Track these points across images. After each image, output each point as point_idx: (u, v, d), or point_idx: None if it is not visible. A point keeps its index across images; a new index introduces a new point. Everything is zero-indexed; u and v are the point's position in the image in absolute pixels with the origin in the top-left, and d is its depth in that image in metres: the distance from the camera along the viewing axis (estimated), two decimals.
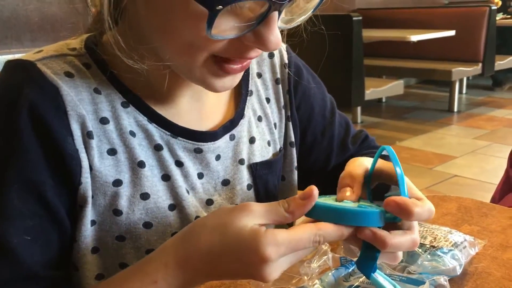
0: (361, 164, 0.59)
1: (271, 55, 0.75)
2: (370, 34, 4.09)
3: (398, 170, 0.51)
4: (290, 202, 0.48)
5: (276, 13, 0.49)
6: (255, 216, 0.47)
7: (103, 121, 0.58)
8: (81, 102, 0.56)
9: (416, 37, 3.84)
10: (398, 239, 0.48)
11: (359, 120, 4.22)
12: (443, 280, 0.56)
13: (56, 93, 0.54)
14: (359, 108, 4.16)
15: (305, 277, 0.58)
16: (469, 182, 2.99)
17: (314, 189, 0.47)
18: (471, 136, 3.90)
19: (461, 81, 5.08)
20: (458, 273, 0.60)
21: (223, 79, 0.55)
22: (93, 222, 0.59)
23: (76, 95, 0.56)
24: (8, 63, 0.56)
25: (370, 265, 0.49)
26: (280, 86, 0.75)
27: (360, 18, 3.52)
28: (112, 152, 0.58)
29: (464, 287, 0.60)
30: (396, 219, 0.49)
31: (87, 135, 0.56)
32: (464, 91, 5.40)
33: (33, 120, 0.53)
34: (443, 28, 4.25)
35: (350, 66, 3.54)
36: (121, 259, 0.60)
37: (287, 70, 0.75)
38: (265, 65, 0.74)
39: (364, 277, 0.56)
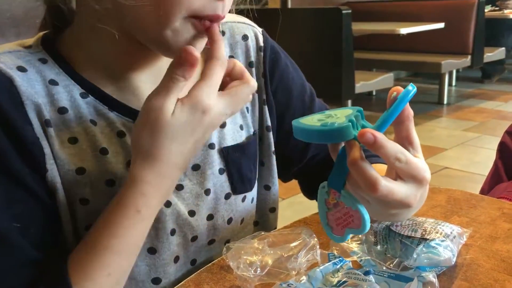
0: None
1: (245, 37, 0.73)
2: (360, 27, 4.09)
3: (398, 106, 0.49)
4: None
5: None
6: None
7: (61, 110, 0.58)
8: (36, 93, 0.57)
9: (405, 30, 3.84)
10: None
11: None
12: (431, 276, 0.55)
13: (10, 84, 0.55)
14: (349, 102, 4.15)
15: (293, 272, 0.57)
16: (459, 174, 3.01)
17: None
18: (460, 128, 3.92)
19: (450, 73, 5.10)
20: (453, 263, 0.59)
21: (200, 40, 0.57)
22: (67, 211, 0.59)
23: (31, 87, 0.57)
24: None
25: (341, 179, 0.51)
26: (253, 69, 0.74)
27: (350, 11, 3.51)
28: (73, 140, 0.59)
29: (454, 279, 0.59)
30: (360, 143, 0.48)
31: (45, 123, 0.57)
32: (453, 83, 5.42)
33: None
34: (432, 20, 4.26)
35: (340, 59, 3.54)
36: None
37: (262, 53, 0.74)
38: (238, 47, 0.73)
39: (351, 273, 0.55)
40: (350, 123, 0.48)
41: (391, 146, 0.48)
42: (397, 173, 0.50)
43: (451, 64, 4.47)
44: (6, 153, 0.54)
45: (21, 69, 0.57)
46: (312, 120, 0.52)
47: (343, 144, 0.51)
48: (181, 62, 0.52)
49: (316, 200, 0.81)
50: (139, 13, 0.53)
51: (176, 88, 0.52)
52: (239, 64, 0.57)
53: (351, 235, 0.54)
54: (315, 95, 0.81)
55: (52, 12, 0.63)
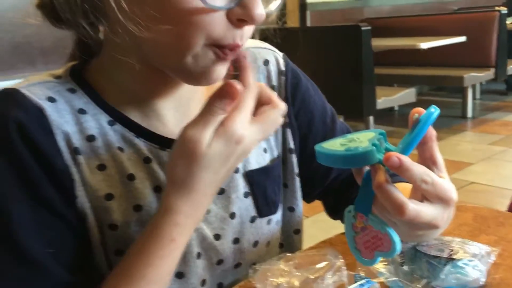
0: None
1: (266, 62, 0.75)
2: (380, 43, 4.09)
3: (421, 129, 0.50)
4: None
5: None
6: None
7: (90, 138, 0.60)
8: (65, 122, 0.59)
9: (426, 44, 3.82)
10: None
11: None
12: None
13: (40, 114, 0.58)
14: (371, 118, 4.13)
15: None
16: (486, 188, 2.95)
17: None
18: (486, 142, 3.86)
19: (474, 86, 5.03)
20: (482, 283, 0.59)
21: (219, 67, 0.57)
22: (97, 236, 0.61)
23: (60, 117, 0.59)
24: None
25: (368, 203, 0.51)
26: (275, 94, 0.74)
27: (369, 28, 3.51)
28: (101, 167, 0.60)
29: None
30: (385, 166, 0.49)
31: (75, 151, 0.59)
32: (477, 96, 5.34)
33: (24, 141, 0.56)
34: (453, 34, 4.23)
35: (360, 76, 3.53)
36: None
37: (283, 77, 0.75)
38: (260, 72, 0.74)
39: None
40: (374, 147, 0.49)
41: (417, 168, 0.48)
42: (424, 194, 0.50)
43: (474, 78, 4.42)
44: (38, 180, 0.56)
45: (51, 99, 0.59)
46: (334, 145, 0.52)
47: (367, 168, 0.52)
48: (222, 95, 0.53)
49: (341, 221, 0.81)
50: (158, 43, 0.55)
51: (214, 120, 0.53)
52: (267, 88, 0.58)
53: (380, 258, 0.54)
54: (336, 116, 0.82)
55: (80, 44, 0.65)
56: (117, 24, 0.54)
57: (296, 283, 0.58)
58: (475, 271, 0.59)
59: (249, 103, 0.54)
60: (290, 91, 0.75)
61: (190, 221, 0.55)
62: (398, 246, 0.50)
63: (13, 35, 1.88)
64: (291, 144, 0.76)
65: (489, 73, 4.48)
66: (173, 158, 0.54)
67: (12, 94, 0.58)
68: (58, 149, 0.58)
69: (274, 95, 0.57)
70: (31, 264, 0.55)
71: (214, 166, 0.53)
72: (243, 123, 0.53)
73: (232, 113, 0.53)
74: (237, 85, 0.53)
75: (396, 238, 0.50)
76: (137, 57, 0.58)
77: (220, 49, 0.55)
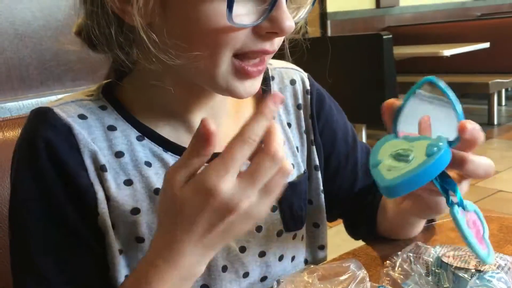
0: None
1: (292, 82, 0.77)
2: (402, 51, 4.06)
3: (451, 94, 0.49)
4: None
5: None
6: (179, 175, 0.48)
7: (118, 154, 0.62)
8: (93, 140, 0.61)
9: (449, 51, 3.78)
10: (474, 157, 0.51)
11: None
12: None
13: (69, 132, 0.59)
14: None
15: None
16: None
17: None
18: None
19: (499, 93, 4.95)
20: None
21: (244, 83, 0.58)
22: (120, 251, 0.62)
23: (89, 134, 0.60)
24: (32, 111, 0.62)
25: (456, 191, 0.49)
26: (301, 111, 0.77)
27: (390, 36, 3.50)
28: (128, 182, 0.62)
29: None
30: (452, 144, 0.49)
31: (101, 169, 0.60)
32: (503, 102, 5.25)
33: (51, 158, 0.58)
34: (477, 40, 4.17)
35: (382, 84, 3.51)
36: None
37: (309, 96, 0.77)
38: (287, 91, 0.77)
39: None
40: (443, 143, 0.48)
41: None
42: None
43: (499, 84, 4.34)
44: (60, 199, 0.58)
45: (82, 117, 0.61)
46: (396, 168, 0.48)
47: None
48: (197, 136, 0.47)
49: (363, 240, 0.81)
50: (190, 66, 0.56)
51: (188, 162, 0.48)
52: (273, 126, 0.49)
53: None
54: (356, 135, 0.84)
55: (114, 65, 0.66)
56: (149, 53, 0.56)
57: None
58: (501, 283, 0.58)
59: (235, 154, 0.46)
60: (315, 109, 0.78)
61: (170, 269, 0.50)
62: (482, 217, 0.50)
63: (42, 53, 1.94)
64: (317, 161, 0.77)
65: None
66: (160, 194, 0.51)
67: (44, 112, 0.60)
68: (84, 167, 0.59)
69: (274, 140, 0.48)
70: (44, 283, 0.56)
71: (187, 212, 0.48)
72: (219, 175, 0.46)
73: (212, 161, 0.47)
74: (211, 125, 0.46)
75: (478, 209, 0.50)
76: (170, 80, 0.61)
77: (247, 62, 0.56)
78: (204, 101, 0.66)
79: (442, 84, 0.50)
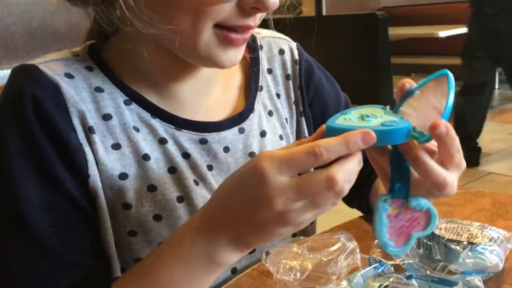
0: None
1: (281, 52, 0.76)
2: (397, 32, 4.03)
3: (452, 96, 0.47)
4: (303, 141, 0.47)
5: None
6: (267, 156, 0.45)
7: (106, 117, 0.60)
8: (81, 100, 0.59)
9: (444, 33, 3.76)
10: (429, 160, 0.46)
11: None
12: (477, 280, 0.53)
13: (56, 91, 0.57)
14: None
15: (333, 277, 0.56)
16: (505, 179, 2.90)
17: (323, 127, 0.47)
18: (505, 132, 3.79)
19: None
20: (500, 269, 0.57)
21: (227, 52, 0.57)
22: (109, 217, 0.60)
23: (77, 94, 0.59)
24: (14, 69, 0.59)
25: (406, 185, 0.48)
26: (290, 82, 0.76)
27: (386, 16, 3.46)
28: (116, 146, 0.60)
29: (501, 284, 0.57)
30: (419, 140, 0.46)
31: (89, 130, 0.58)
32: (496, 86, 5.25)
33: (39, 117, 0.56)
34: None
35: (377, 65, 3.49)
36: (135, 254, 0.61)
37: (297, 66, 0.76)
38: (276, 61, 0.76)
39: (394, 277, 0.54)
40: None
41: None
42: (448, 163, 0.48)
43: None
44: (49, 158, 0.56)
45: (69, 75, 0.59)
46: (350, 121, 0.49)
47: (389, 147, 0.49)
48: (310, 150, 0.43)
49: (359, 209, 0.80)
50: (169, 39, 0.55)
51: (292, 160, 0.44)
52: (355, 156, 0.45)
53: (415, 240, 0.50)
54: (350, 104, 0.82)
55: (97, 23, 0.64)
56: (125, 16, 0.55)
57: (309, 265, 0.58)
58: (494, 256, 0.58)
59: (300, 159, 0.44)
60: (304, 80, 0.76)
61: (203, 234, 0.49)
62: (437, 218, 0.48)
63: (28, 21, 1.89)
64: (306, 133, 0.76)
65: None
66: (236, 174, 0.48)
67: (29, 69, 0.58)
68: (72, 127, 0.57)
69: (344, 167, 0.44)
70: (35, 242, 0.54)
71: (232, 191, 0.47)
72: (277, 168, 0.44)
73: (275, 152, 0.45)
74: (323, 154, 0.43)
75: (435, 211, 0.48)
76: (152, 48, 0.59)
77: (230, 32, 0.55)
78: (189, 71, 0.64)
79: (452, 83, 0.49)
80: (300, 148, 0.43)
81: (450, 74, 0.49)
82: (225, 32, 0.55)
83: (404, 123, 0.46)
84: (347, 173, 0.43)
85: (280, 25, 0.75)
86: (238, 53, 0.58)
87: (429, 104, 0.51)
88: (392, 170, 0.49)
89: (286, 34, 0.79)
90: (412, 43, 4.55)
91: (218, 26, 0.55)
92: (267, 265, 0.58)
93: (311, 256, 0.58)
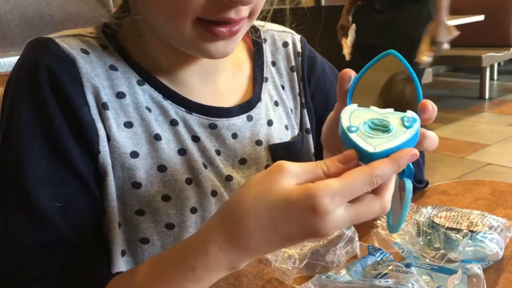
0: None
1: (285, 44, 0.77)
2: None
3: (412, 70, 0.48)
4: (330, 165, 0.44)
5: None
6: (293, 176, 0.43)
7: (120, 95, 0.60)
8: (96, 76, 0.59)
9: None
10: (430, 133, 0.48)
11: None
12: (476, 269, 0.53)
13: (72, 64, 0.57)
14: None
15: (332, 265, 0.56)
16: (504, 170, 2.91)
17: (354, 152, 0.44)
18: (504, 123, 3.79)
19: (492, 67, 4.93)
20: (500, 257, 0.57)
21: (215, 44, 0.57)
22: (116, 196, 0.60)
23: (92, 69, 0.59)
24: (29, 42, 0.59)
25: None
26: (295, 73, 0.76)
27: None
28: (128, 124, 0.60)
29: (501, 271, 0.57)
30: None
31: (102, 106, 0.58)
32: (495, 77, 5.24)
33: (53, 89, 0.56)
34: (471, 13, 4.13)
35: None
36: (141, 234, 0.61)
37: (300, 59, 0.77)
38: (280, 53, 0.76)
39: (393, 265, 0.54)
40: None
41: None
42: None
43: (492, 58, 4.33)
44: (60, 132, 0.55)
45: (84, 51, 0.59)
46: (376, 136, 0.45)
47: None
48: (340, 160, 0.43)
49: None
50: (158, 22, 0.56)
51: (312, 169, 0.43)
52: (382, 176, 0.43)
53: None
54: None
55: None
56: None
57: (308, 254, 0.58)
58: (494, 244, 0.57)
59: (358, 186, 0.42)
60: (306, 72, 0.77)
61: (221, 257, 0.45)
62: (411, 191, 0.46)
63: (24, 9, 1.88)
64: (308, 124, 0.77)
65: (508, 53, 4.38)
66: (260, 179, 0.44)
67: (46, 42, 0.58)
68: (86, 101, 0.57)
69: (387, 187, 0.44)
70: (36, 214, 0.54)
71: (271, 220, 0.43)
72: (333, 200, 0.41)
73: (331, 183, 0.42)
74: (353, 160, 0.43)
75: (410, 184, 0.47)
76: (153, 31, 0.60)
77: (213, 25, 0.55)
78: (192, 58, 0.64)
79: (403, 59, 0.49)
80: (357, 177, 0.42)
81: (396, 51, 0.49)
82: (208, 26, 0.55)
83: (412, 114, 0.46)
84: (391, 195, 0.44)
85: (278, 16, 0.74)
86: (228, 45, 0.58)
87: (382, 84, 0.51)
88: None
89: (284, 25, 0.79)
90: None
91: (200, 19, 0.55)
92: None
93: (309, 244, 0.58)
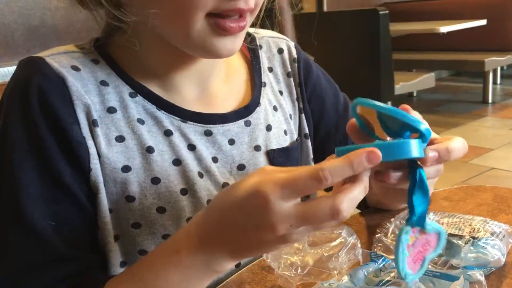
0: None
1: (280, 51, 0.77)
2: (398, 27, 4.02)
3: (390, 108, 0.46)
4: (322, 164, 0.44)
5: None
6: (268, 172, 0.45)
7: (110, 110, 0.60)
8: (87, 93, 0.59)
9: (445, 28, 3.74)
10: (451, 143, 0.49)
11: None
12: (479, 275, 0.53)
13: (62, 83, 0.58)
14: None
15: (334, 272, 0.56)
16: (507, 174, 2.90)
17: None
18: (507, 127, 3.78)
19: (495, 71, 4.93)
20: (502, 264, 0.57)
21: (223, 40, 0.57)
22: (110, 210, 0.60)
23: (82, 86, 0.59)
24: (21, 60, 0.60)
25: (424, 212, 0.46)
26: (291, 79, 0.77)
27: (387, 12, 3.45)
28: (120, 139, 0.60)
29: (503, 278, 0.57)
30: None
31: (93, 123, 0.59)
32: (498, 81, 5.24)
33: (43, 109, 0.56)
34: (474, 17, 4.13)
35: (378, 61, 3.48)
36: (139, 246, 0.62)
37: (296, 64, 0.77)
38: (276, 60, 0.77)
39: (395, 272, 0.54)
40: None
41: None
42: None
43: (495, 62, 4.32)
44: (51, 151, 0.56)
45: (75, 68, 0.60)
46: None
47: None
48: (314, 174, 0.42)
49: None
50: (162, 22, 0.56)
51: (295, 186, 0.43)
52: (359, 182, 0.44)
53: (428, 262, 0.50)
54: (349, 104, 0.83)
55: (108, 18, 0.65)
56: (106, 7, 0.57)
57: (310, 261, 0.58)
58: (496, 250, 0.57)
59: (303, 181, 0.42)
60: (303, 77, 0.77)
61: (201, 249, 0.48)
62: (445, 237, 0.48)
63: (28, 19, 1.90)
64: (306, 129, 0.77)
65: (511, 57, 4.37)
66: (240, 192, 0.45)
67: (36, 61, 0.59)
68: (76, 120, 0.58)
69: (347, 196, 0.43)
70: (31, 233, 0.54)
71: (232, 207, 0.46)
72: (279, 191, 0.42)
73: (280, 174, 0.44)
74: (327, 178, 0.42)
75: (444, 230, 0.48)
76: (149, 40, 0.61)
77: (224, 19, 0.55)
78: (189, 63, 0.65)
79: (372, 102, 0.47)
80: (303, 171, 0.42)
81: (363, 99, 0.48)
82: (218, 20, 0.55)
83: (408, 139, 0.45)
84: (351, 202, 0.42)
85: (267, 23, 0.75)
86: (235, 41, 0.59)
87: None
88: (411, 197, 0.46)
89: (288, 31, 0.80)
90: (413, 39, 4.53)
91: (210, 14, 0.55)
92: (268, 260, 0.58)
93: (312, 251, 0.58)
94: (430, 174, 0.49)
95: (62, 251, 0.56)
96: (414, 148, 0.44)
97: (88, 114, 0.58)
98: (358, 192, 0.43)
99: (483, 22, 4.01)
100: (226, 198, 0.47)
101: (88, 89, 0.59)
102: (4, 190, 0.56)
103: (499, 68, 5.17)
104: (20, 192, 0.55)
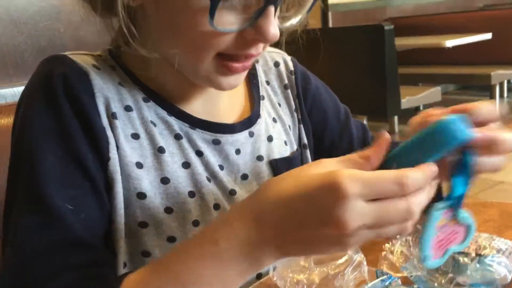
0: None
1: (276, 64, 0.79)
2: (404, 42, 4.03)
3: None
4: (365, 149, 0.44)
5: (272, 7, 0.54)
6: (329, 163, 0.44)
7: (127, 108, 0.63)
8: (107, 88, 0.61)
9: (451, 42, 3.75)
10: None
11: (396, 130, 4.13)
12: None
13: (85, 77, 0.60)
14: (396, 118, 4.08)
15: None
16: None
17: (385, 133, 0.44)
18: None
19: (501, 84, 4.92)
20: (508, 281, 0.57)
21: (228, 78, 0.60)
22: (123, 204, 0.61)
23: (103, 83, 0.61)
24: (43, 60, 0.62)
25: (462, 194, 0.45)
26: (289, 91, 0.79)
27: (392, 27, 3.47)
28: (135, 136, 0.62)
29: None
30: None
31: (112, 116, 0.60)
32: (505, 94, 5.22)
33: (68, 95, 0.58)
34: (479, 31, 4.14)
35: (383, 75, 3.49)
36: (143, 247, 0.62)
37: (293, 76, 0.79)
38: (272, 73, 0.79)
39: None
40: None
41: None
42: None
43: (502, 75, 4.31)
44: (75, 135, 0.57)
45: (96, 67, 0.63)
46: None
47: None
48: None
49: None
50: (171, 54, 0.58)
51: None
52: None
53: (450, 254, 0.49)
54: (350, 114, 0.84)
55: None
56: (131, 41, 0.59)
57: (316, 279, 0.58)
58: (502, 267, 0.57)
59: (383, 182, 0.41)
60: (301, 89, 0.79)
61: (246, 232, 0.45)
62: (473, 234, 0.47)
63: (37, 39, 1.93)
64: (305, 140, 0.78)
65: None
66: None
67: (60, 57, 0.62)
68: (97, 111, 0.60)
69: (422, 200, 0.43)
70: (49, 213, 0.54)
71: (294, 204, 0.43)
72: (359, 187, 0.40)
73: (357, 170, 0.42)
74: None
75: (474, 226, 0.47)
76: (158, 60, 0.62)
77: (230, 61, 0.58)
78: (199, 88, 0.67)
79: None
80: (388, 174, 0.41)
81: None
82: (225, 62, 0.58)
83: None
84: (421, 206, 0.42)
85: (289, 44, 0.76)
86: (238, 78, 0.62)
87: None
88: (455, 175, 0.46)
89: (293, 48, 0.80)
90: (419, 53, 4.54)
91: (220, 54, 0.57)
92: (275, 279, 0.58)
93: (318, 269, 0.58)
94: (485, 165, 0.48)
95: (79, 235, 0.55)
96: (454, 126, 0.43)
97: (108, 107, 0.60)
98: (427, 197, 0.43)
99: (488, 36, 4.02)
100: (291, 187, 0.43)
101: (108, 86, 0.62)
102: (24, 172, 0.56)
103: (505, 82, 5.16)
104: (41, 174, 0.55)
